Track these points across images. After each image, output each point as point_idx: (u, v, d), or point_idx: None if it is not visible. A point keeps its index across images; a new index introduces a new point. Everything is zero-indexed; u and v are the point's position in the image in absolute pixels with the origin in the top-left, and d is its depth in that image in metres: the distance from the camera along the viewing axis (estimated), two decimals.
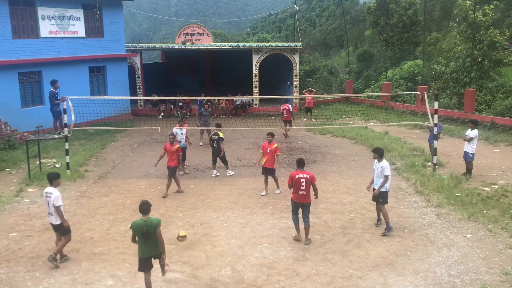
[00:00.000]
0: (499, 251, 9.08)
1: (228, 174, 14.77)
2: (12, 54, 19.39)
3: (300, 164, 9.80)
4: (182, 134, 15.06)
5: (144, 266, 7.58)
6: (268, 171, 12.76)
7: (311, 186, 9.58)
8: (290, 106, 20.86)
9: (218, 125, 15.53)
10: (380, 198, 10.22)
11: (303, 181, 9.46)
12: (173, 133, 13.60)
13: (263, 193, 12.78)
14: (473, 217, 10.73)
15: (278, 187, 12.95)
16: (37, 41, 20.58)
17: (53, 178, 8.87)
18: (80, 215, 11.38)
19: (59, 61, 21.39)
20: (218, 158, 14.56)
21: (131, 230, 7.47)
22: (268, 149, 12.65)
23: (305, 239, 9.67)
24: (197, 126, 18.29)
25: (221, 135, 14.46)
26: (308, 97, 23.90)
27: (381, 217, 10.39)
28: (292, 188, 9.67)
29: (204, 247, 9.49)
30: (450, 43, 31.76)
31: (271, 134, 12.99)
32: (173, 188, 13.08)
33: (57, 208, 8.61)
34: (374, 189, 10.33)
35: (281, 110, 21.19)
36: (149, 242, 7.35)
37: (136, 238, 7.44)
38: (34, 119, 18.76)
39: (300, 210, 9.75)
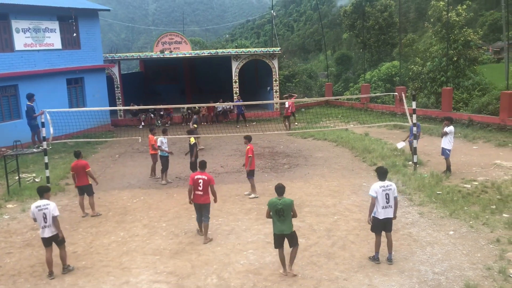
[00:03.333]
0: (481, 247, 9.21)
1: None
2: None
3: (202, 166, 10.26)
4: (166, 143, 14.96)
5: (277, 242, 8.41)
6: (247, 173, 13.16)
7: (209, 187, 9.99)
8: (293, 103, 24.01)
9: (190, 132, 15.33)
10: (390, 224, 8.88)
11: (200, 182, 9.91)
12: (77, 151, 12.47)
13: (246, 193, 13.17)
14: (454, 214, 10.88)
15: (251, 191, 13.11)
16: (12, 54, 20.25)
17: (44, 191, 8.88)
18: (62, 229, 10.98)
19: (36, 74, 21.07)
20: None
21: (267, 206, 8.41)
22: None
23: (204, 237, 10.10)
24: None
25: (192, 141, 14.51)
26: (289, 101, 24.01)
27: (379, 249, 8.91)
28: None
29: (189, 256, 9.41)
30: (426, 43, 32.36)
31: (245, 138, 13.27)
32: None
33: (55, 218, 8.65)
34: (378, 218, 8.75)
35: (286, 107, 23.64)
36: (281, 220, 8.21)
37: (271, 213, 8.38)
38: (11, 133, 18.39)
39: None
